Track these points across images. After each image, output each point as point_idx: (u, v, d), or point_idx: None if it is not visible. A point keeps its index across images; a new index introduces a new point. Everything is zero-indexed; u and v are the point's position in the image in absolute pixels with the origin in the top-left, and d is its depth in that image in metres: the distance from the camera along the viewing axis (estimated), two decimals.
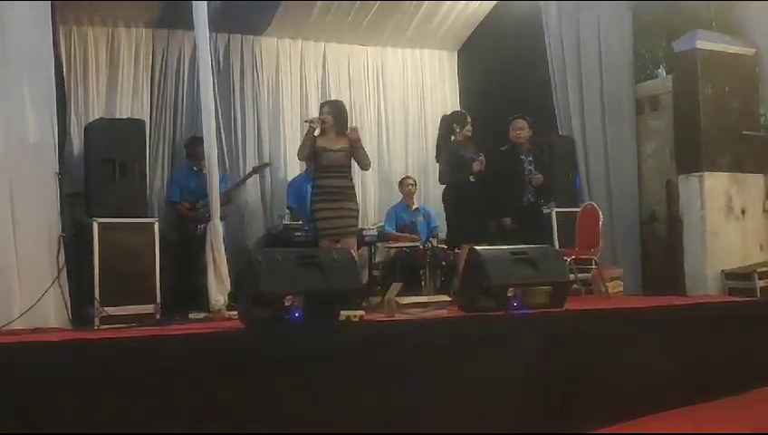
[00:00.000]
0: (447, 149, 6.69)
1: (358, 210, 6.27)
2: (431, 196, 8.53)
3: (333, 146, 6.05)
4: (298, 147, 6.47)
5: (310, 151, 6.08)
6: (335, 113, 6.12)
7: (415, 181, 8.10)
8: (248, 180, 7.55)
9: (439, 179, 6.86)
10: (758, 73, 7.38)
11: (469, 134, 6.69)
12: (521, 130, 7.12)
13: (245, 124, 7.84)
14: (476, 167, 6.48)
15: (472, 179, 6.53)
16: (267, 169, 7.81)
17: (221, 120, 7.47)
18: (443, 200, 6.84)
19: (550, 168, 7.34)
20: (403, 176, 8.21)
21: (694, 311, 5.25)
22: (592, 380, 4.31)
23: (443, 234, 7.60)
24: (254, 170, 7.49)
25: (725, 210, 7.10)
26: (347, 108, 6.52)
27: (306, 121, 6.22)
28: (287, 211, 7.44)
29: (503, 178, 6.96)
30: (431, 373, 3.89)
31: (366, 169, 6.61)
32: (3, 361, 3.12)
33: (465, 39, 8.87)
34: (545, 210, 7.30)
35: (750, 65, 7.38)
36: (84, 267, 5.58)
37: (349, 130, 6.17)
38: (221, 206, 6.88)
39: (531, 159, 7.13)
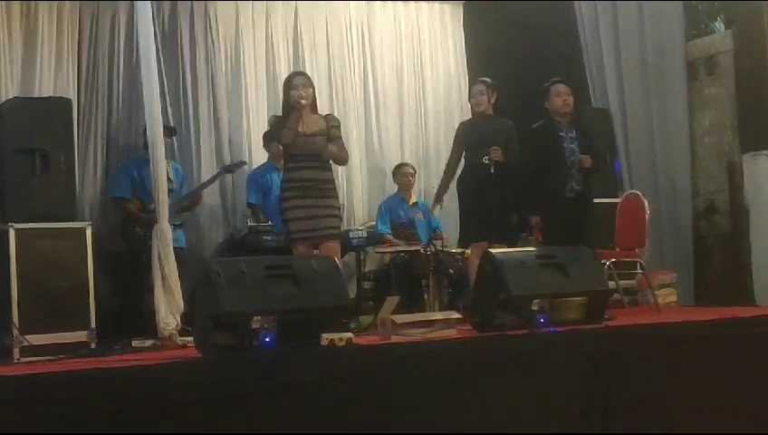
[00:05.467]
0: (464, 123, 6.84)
1: (340, 208, 6.26)
2: (433, 188, 8.54)
3: (308, 129, 5.93)
4: (267, 130, 6.39)
5: (295, 134, 5.90)
6: (312, 87, 6.09)
7: (414, 169, 8.11)
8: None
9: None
10: None
11: (481, 107, 6.68)
12: (567, 96, 6.51)
13: (198, 104, 7.80)
14: (495, 156, 6.46)
15: (485, 161, 6.48)
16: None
17: (168, 100, 7.45)
18: (457, 188, 6.79)
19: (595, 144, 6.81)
20: (398, 163, 8.21)
21: (765, 325, 5.27)
22: (639, 411, 4.32)
23: (446, 234, 7.62)
24: (226, 169, 7.39)
25: None
26: (327, 79, 6.51)
27: (293, 92, 5.91)
28: (248, 210, 7.40)
29: (538, 163, 6.53)
30: (437, 409, 3.90)
31: (343, 164, 6.48)
32: None
33: None
34: None
35: None
36: None
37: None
38: (185, 211, 6.91)
39: (573, 135, 6.52)
